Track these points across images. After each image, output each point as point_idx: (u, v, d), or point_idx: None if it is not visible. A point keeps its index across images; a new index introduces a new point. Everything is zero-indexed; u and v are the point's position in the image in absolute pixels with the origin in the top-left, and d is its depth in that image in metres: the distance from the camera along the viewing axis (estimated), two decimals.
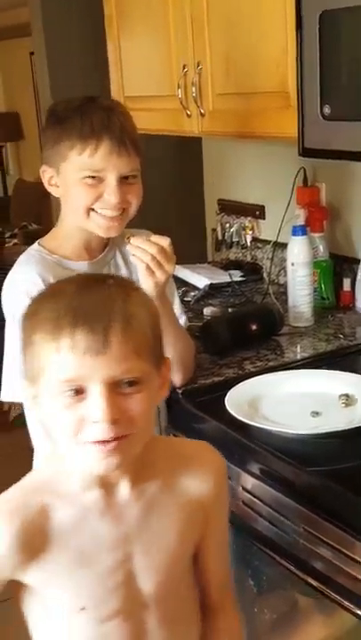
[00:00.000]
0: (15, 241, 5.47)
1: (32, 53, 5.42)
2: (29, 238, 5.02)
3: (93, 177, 1.56)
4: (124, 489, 1.09)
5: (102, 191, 1.57)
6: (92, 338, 0.96)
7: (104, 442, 0.99)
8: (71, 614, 1.08)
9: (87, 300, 1.00)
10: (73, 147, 1.55)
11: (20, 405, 1.75)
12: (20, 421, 4.14)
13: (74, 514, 1.06)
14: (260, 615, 1.63)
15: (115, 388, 0.99)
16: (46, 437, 1.59)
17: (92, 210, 1.59)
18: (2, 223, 5.95)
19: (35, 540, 1.03)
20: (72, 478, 1.07)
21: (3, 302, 1.63)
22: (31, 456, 1.81)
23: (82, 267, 1.65)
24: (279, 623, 1.63)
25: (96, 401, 0.98)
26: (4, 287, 1.63)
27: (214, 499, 1.18)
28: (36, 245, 1.67)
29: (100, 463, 1.01)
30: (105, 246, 1.70)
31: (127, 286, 1.06)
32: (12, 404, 4.06)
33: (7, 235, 5.60)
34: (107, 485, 1.07)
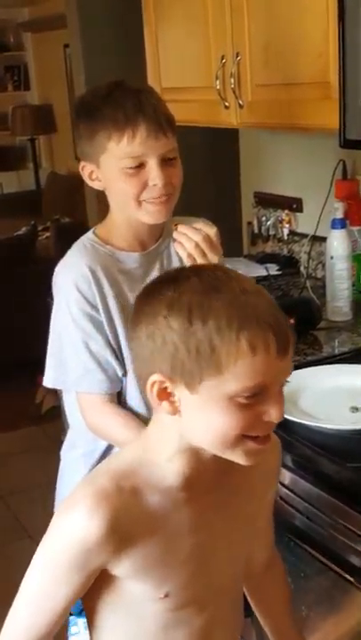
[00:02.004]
0: (47, 234, 5.48)
1: (66, 46, 5.45)
2: (62, 232, 5.07)
3: (135, 165, 1.52)
4: (209, 477, 1.09)
5: (146, 177, 1.53)
6: (281, 341, 0.97)
7: (265, 437, 1.02)
8: (149, 602, 1.08)
9: (259, 299, 0.99)
10: (110, 137, 1.52)
11: (53, 398, 1.75)
12: (52, 414, 4.19)
13: (162, 501, 1.05)
14: (297, 611, 1.62)
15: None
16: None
17: (143, 200, 1.55)
18: (34, 216, 5.95)
19: (129, 523, 1.02)
20: (163, 469, 1.06)
21: (53, 289, 1.62)
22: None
23: (134, 258, 1.63)
24: (315, 618, 1.61)
25: (276, 403, 0.99)
26: (55, 274, 1.62)
27: (273, 474, 1.23)
28: (90, 234, 1.65)
29: (255, 457, 1.03)
30: (158, 237, 1.67)
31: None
32: (45, 397, 4.09)
33: (40, 228, 5.62)
34: (198, 477, 1.07)
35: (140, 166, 1.53)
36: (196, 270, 1.03)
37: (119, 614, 1.11)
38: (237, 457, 1.02)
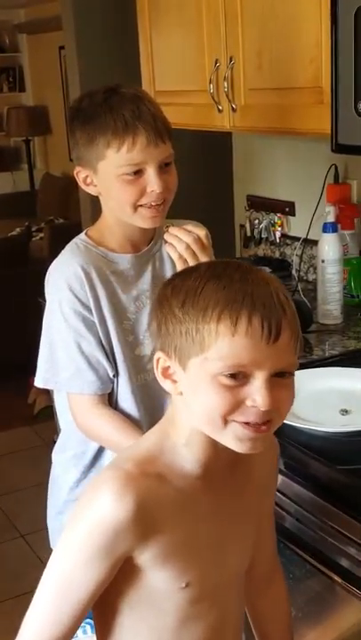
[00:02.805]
0: (41, 235, 5.49)
1: (61, 47, 5.46)
2: (56, 233, 5.07)
3: (133, 171, 1.52)
4: (223, 467, 1.10)
5: (144, 184, 1.54)
6: (267, 326, 0.98)
7: (256, 424, 1.01)
8: (171, 594, 1.08)
9: (258, 288, 1.01)
10: (109, 145, 1.52)
11: (45, 399, 1.76)
12: (45, 414, 4.20)
13: (183, 488, 1.07)
14: None
15: (274, 378, 1.01)
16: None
17: (139, 205, 1.56)
18: (28, 217, 5.97)
19: (155, 508, 1.03)
20: (181, 454, 1.08)
21: (46, 289, 1.63)
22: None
23: (126, 259, 1.63)
24: (304, 620, 1.62)
25: (261, 389, 1.00)
26: (48, 274, 1.63)
27: (271, 475, 1.24)
28: (82, 235, 1.66)
29: (246, 443, 1.03)
30: (150, 239, 1.68)
31: (278, 281, 1.08)
32: (37, 397, 4.09)
33: (34, 229, 5.62)
34: (213, 465, 1.09)
35: (138, 173, 1.53)
36: (212, 262, 1.10)
37: (139, 610, 1.10)
38: (229, 442, 1.03)
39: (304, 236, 2.49)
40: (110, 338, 1.59)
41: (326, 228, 2.20)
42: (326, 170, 2.41)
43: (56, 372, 1.60)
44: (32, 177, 6.93)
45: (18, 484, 3.56)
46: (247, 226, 2.97)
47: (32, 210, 6.40)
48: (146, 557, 1.05)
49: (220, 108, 2.32)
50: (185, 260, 1.58)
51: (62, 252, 1.63)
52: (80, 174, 1.60)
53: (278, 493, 1.60)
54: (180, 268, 1.56)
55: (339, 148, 1.84)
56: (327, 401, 1.74)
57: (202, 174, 3.00)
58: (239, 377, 0.99)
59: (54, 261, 1.63)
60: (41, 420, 4.04)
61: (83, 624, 1.19)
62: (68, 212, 5.58)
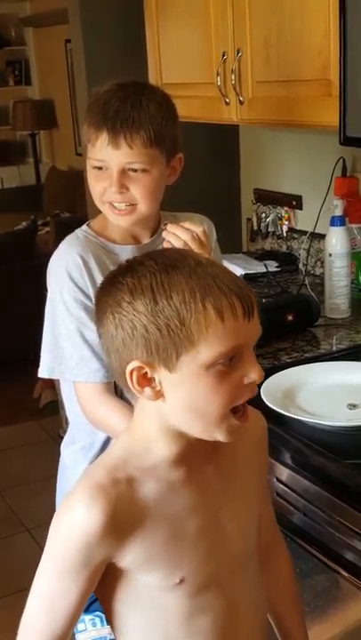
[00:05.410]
0: (47, 229, 5.49)
1: (67, 41, 5.44)
2: (62, 226, 5.06)
3: (100, 167, 1.58)
4: (201, 456, 1.09)
5: (108, 181, 1.58)
6: (246, 304, 0.99)
7: (244, 410, 1.02)
8: (167, 592, 1.07)
9: (216, 269, 1.00)
10: (85, 135, 1.59)
11: (51, 392, 1.75)
12: (50, 408, 4.20)
13: (159, 486, 1.06)
14: None
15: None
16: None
17: (106, 201, 1.60)
18: (35, 211, 5.96)
19: (129, 514, 1.02)
20: (153, 454, 1.06)
21: (47, 280, 1.65)
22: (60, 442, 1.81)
23: (127, 251, 1.64)
24: (312, 614, 1.61)
25: (254, 364, 1.01)
26: (49, 265, 1.65)
27: (262, 445, 1.23)
28: (84, 226, 1.69)
29: (235, 434, 1.03)
30: (153, 232, 1.70)
31: None
32: (43, 391, 4.09)
33: (40, 223, 5.62)
34: (189, 457, 1.08)
35: (104, 170, 1.58)
36: (148, 255, 1.05)
37: (140, 611, 1.10)
38: (219, 435, 1.03)
39: (311, 230, 2.48)
40: None
41: (334, 221, 2.19)
42: (334, 163, 2.40)
43: (61, 362, 1.61)
44: (38, 171, 6.93)
45: (23, 478, 3.57)
46: (254, 219, 2.96)
47: (38, 204, 6.39)
48: (129, 561, 1.04)
49: (228, 100, 2.32)
50: None
51: (62, 242, 1.66)
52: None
53: (285, 488, 1.59)
54: None
55: (347, 141, 1.83)
56: (335, 395, 1.73)
57: (209, 168, 2.99)
58: (232, 360, 1.00)
59: (54, 252, 1.65)
60: (46, 414, 4.04)
61: (92, 617, 1.19)
62: (75, 206, 5.58)
